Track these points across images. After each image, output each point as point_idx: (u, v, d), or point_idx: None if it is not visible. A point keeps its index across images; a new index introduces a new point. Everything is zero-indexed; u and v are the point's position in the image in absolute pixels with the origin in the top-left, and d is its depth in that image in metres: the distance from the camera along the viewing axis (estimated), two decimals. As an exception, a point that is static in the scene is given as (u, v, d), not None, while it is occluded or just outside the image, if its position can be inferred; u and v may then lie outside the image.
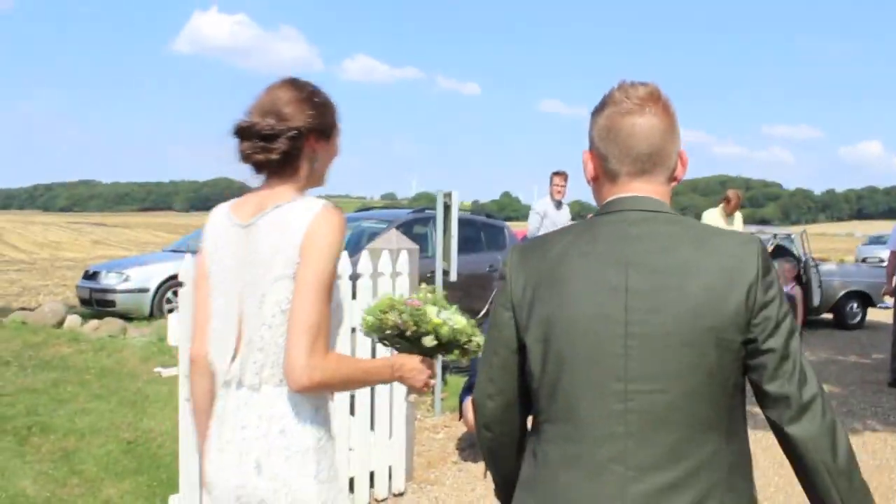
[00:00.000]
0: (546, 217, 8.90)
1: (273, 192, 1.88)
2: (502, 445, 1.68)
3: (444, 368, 6.85)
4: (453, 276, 6.19)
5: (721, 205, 9.15)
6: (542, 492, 1.51)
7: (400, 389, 4.43)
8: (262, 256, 1.83)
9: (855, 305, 12.18)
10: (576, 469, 1.47)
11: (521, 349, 1.55)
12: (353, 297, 4.22)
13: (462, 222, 11.02)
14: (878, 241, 36.43)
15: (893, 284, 7.61)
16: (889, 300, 7.93)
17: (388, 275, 4.54)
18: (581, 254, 1.50)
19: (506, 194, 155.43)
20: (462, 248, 10.29)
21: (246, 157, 1.89)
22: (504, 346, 1.57)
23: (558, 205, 9.06)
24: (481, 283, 10.25)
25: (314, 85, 1.94)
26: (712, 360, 1.42)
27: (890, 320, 11.10)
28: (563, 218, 8.95)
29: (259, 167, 1.90)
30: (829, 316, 12.19)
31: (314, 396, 1.85)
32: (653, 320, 1.43)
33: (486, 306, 10.25)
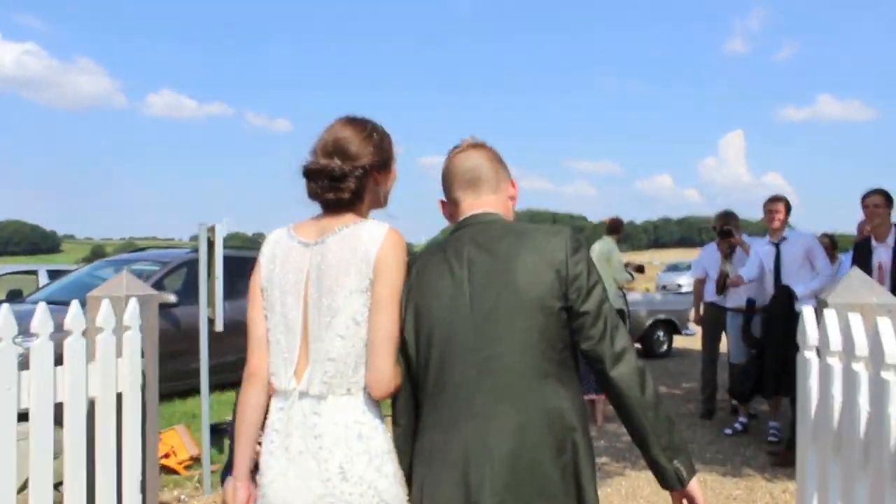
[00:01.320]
0: None
1: (339, 217, 2.01)
2: (407, 438, 1.93)
3: (215, 431, 5.72)
4: (219, 326, 5.11)
5: (613, 235, 8.59)
6: (425, 454, 1.85)
7: (132, 460, 3.37)
8: (332, 272, 1.94)
9: (662, 334, 12.19)
10: (445, 430, 1.81)
11: (405, 345, 1.91)
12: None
13: (249, 261, 9.99)
14: (674, 268, 38.86)
15: (701, 311, 7.47)
16: (694, 327, 7.78)
17: (110, 330, 3.48)
18: (436, 262, 1.93)
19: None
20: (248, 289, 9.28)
21: (317, 196, 2.02)
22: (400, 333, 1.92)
23: None
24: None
25: (372, 121, 2.09)
26: (540, 323, 1.79)
27: (692, 346, 11.09)
28: None
29: (329, 205, 2.02)
30: (637, 346, 12.14)
31: (377, 404, 1.98)
32: (491, 299, 1.81)
33: None
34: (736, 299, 6.64)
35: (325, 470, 1.88)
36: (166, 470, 5.35)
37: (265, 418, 2.03)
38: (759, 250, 6.22)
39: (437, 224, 7.60)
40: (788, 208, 6.08)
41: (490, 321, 1.80)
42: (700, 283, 7.52)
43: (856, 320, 2.20)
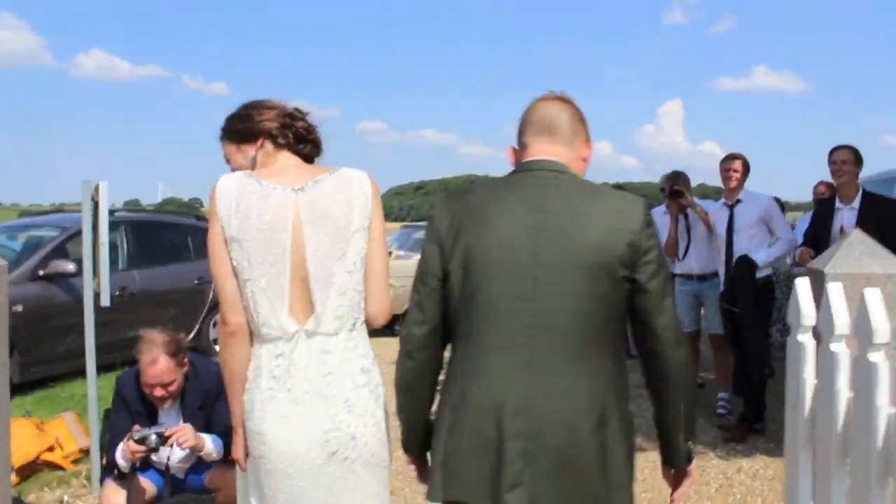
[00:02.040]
0: None
1: (308, 166, 2.19)
2: (422, 374, 1.88)
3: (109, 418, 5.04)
4: (105, 300, 4.39)
5: None
6: (455, 398, 1.79)
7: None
8: (337, 213, 2.04)
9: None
10: (485, 377, 1.76)
11: (446, 277, 1.82)
12: None
13: (164, 226, 8.99)
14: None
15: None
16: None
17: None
18: (497, 197, 1.83)
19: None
20: (165, 257, 8.38)
21: (287, 147, 2.19)
22: (431, 276, 1.84)
23: None
24: (188, 299, 8.47)
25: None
26: (605, 289, 1.74)
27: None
28: None
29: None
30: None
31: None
32: (557, 253, 1.74)
33: (197, 325, 8.61)
34: (685, 264, 6.19)
35: (333, 406, 1.99)
36: (50, 466, 4.68)
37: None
38: (712, 213, 5.75)
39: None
40: (747, 167, 5.56)
41: (553, 274, 1.74)
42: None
43: (873, 297, 1.68)
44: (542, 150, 1.88)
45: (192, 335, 8.40)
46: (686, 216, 6.13)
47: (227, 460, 3.03)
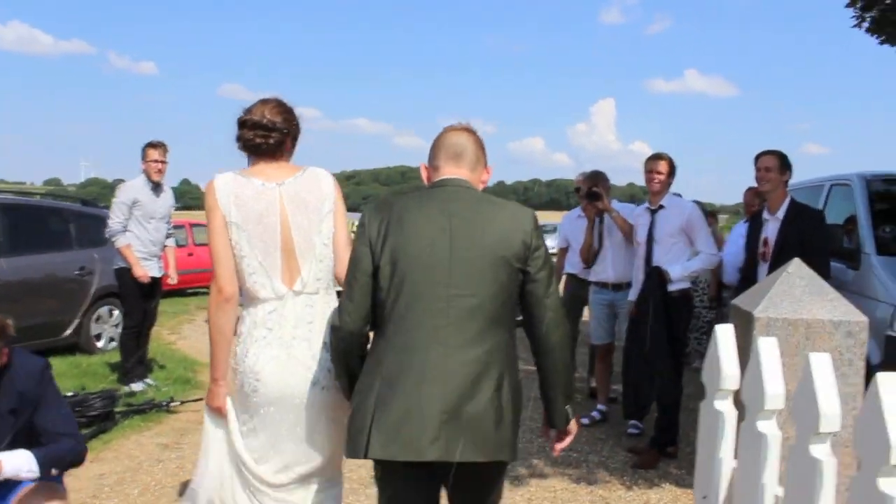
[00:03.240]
0: (137, 206, 6.34)
1: (279, 163, 2.73)
2: (352, 347, 2.30)
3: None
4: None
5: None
6: (385, 370, 2.18)
7: None
8: (312, 201, 2.67)
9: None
10: (411, 351, 2.16)
11: (375, 273, 2.23)
12: None
13: (43, 210, 8.05)
14: (542, 229, 38.59)
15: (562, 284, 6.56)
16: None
17: None
18: (418, 206, 2.27)
19: (185, 181, 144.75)
20: (42, 245, 7.53)
21: (252, 145, 2.70)
22: (362, 273, 2.24)
23: (156, 188, 6.47)
24: (67, 291, 7.69)
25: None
26: (503, 278, 2.20)
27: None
28: (163, 206, 6.51)
29: (265, 151, 2.72)
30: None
31: None
32: (466, 249, 2.19)
33: (78, 319, 7.72)
34: (600, 272, 5.77)
35: (315, 346, 2.61)
36: None
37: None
38: (634, 217, 5.30)
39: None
40: (672, 169, 5.05)
41: (464, 266, 2.18)
42: (563, 253, 6.54)
43: (768, 347, 1.19)
44: (451, 172, 2.35)
45: (70, 330, 7.67)
46: (601, 220, 5.70)
47: (46, 475, 2.75)
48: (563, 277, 6.54)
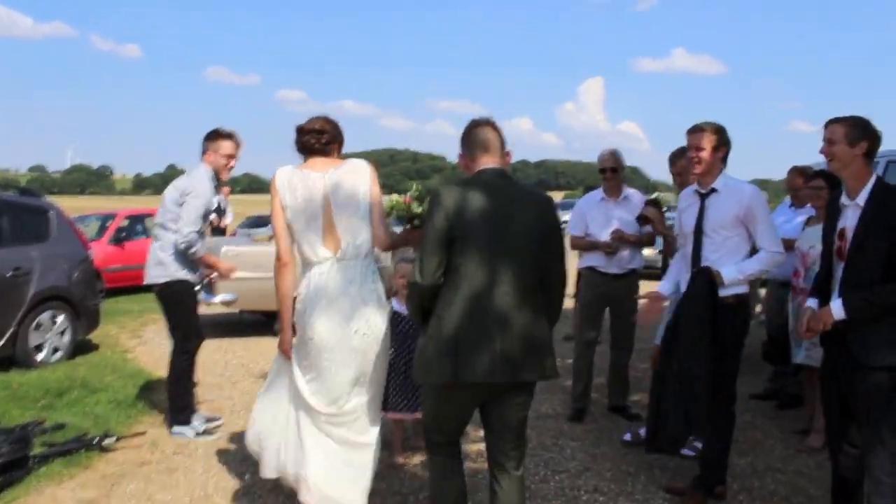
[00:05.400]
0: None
1: (329, 159, 3.56)
2: (429, 290, 2.89)
3: None
4: None
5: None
6: (445, 318, 2.85)
7: None
8: (351, 187, 3.42)
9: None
10: (476, 298, 2.82)
11: (450, 241, 2.85)
12: None
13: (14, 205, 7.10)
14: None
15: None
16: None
17: None
18: (473, 190, 2.90)
19: (171, 167, 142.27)
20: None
21: (310, 146, 3.58)
22: (437, 238, 2.85)
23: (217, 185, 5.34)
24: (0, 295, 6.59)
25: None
26: (536, 249, 2.91)
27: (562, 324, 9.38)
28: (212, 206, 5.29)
29: (317, 151, 3.58)
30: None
31: None
32: (512, 224, 2.87)
33: (13, 328, 6.56)
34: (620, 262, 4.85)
35: (356, 300, 3.38)
36: None
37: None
38: (680, 202, 4.25)
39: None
40: (720, 141, 3.94)
41: (512, 238, 2.87)
42: (581, 243, 5.63)
43: None
44: (486, 161, 3.04)
45: (2, 341, 6.54)
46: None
47: None
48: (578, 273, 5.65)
